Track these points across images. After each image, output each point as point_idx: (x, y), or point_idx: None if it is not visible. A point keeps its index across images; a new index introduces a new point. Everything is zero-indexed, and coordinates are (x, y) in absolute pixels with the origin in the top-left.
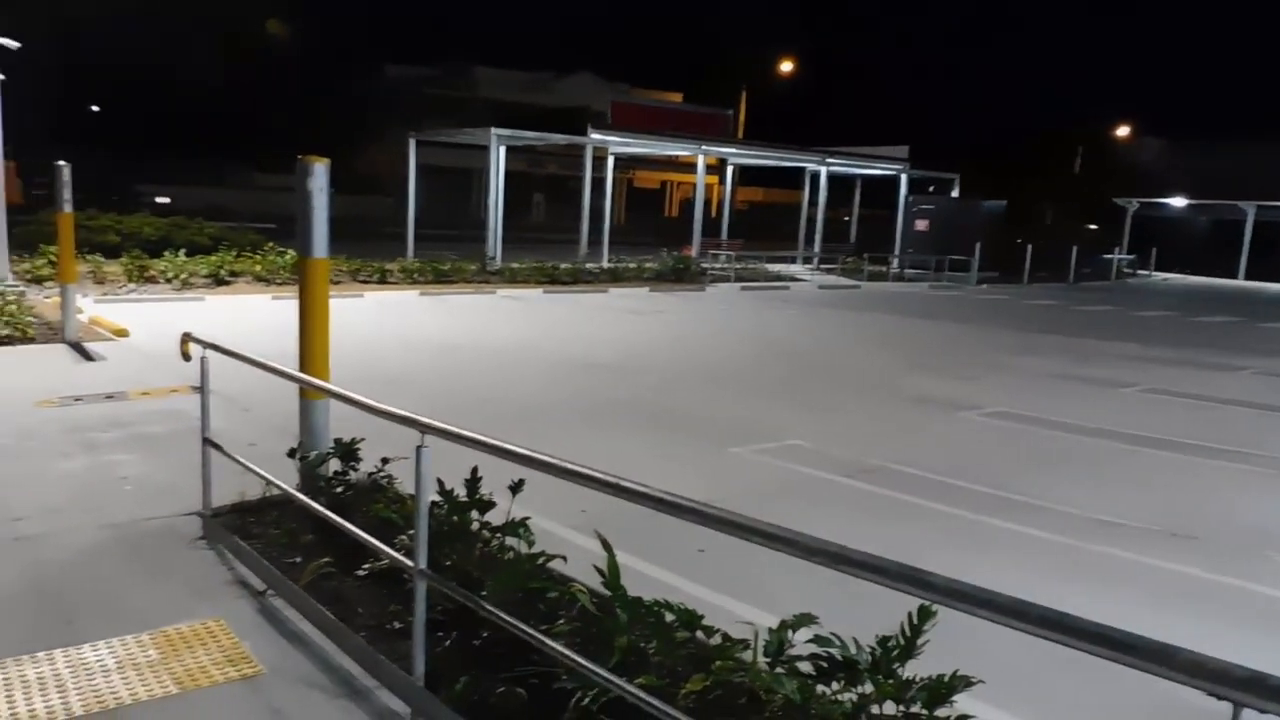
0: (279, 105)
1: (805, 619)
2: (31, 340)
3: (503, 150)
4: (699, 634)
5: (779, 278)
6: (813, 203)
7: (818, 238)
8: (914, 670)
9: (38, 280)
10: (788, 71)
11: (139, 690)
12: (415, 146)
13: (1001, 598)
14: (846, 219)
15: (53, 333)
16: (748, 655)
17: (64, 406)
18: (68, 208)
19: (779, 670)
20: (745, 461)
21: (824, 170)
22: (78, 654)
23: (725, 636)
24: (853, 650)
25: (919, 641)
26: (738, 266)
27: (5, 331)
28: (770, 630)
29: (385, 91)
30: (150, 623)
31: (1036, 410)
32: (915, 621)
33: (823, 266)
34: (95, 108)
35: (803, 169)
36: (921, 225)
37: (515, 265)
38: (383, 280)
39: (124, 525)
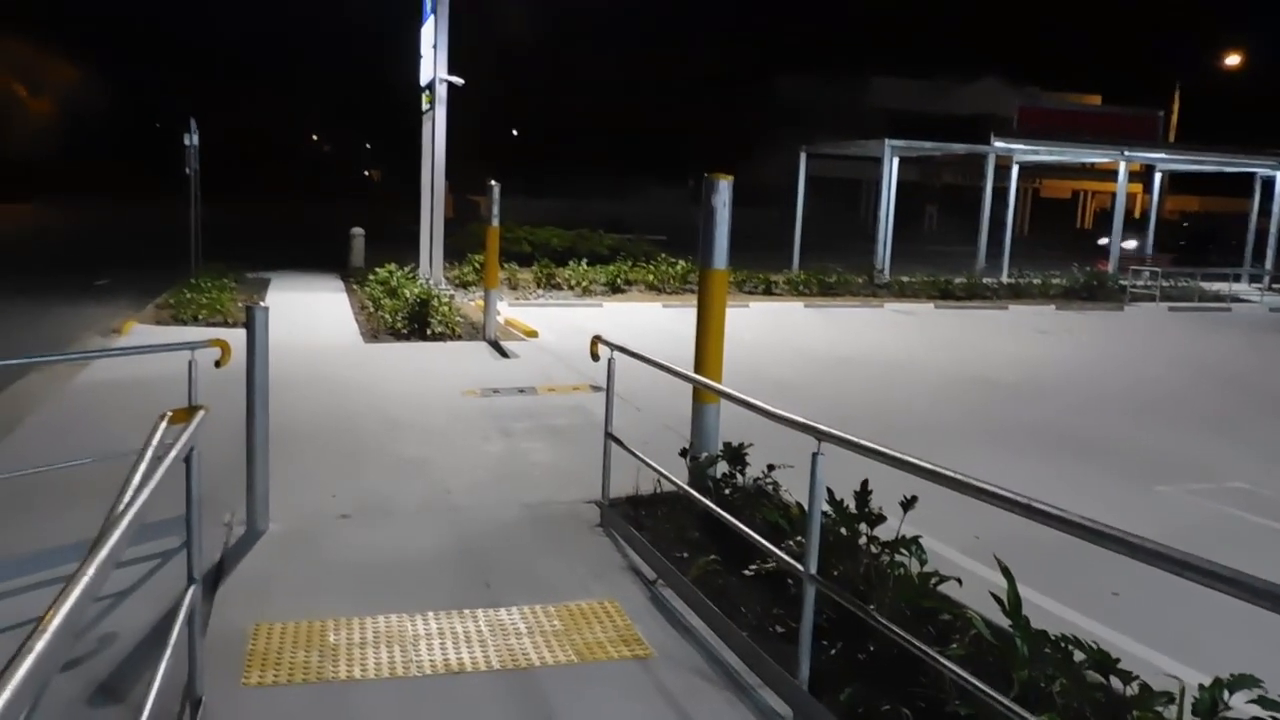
0: (675, 122)
1: (1247, 680)
2: (459, 338)
3: (896, 161)
4: (1113, 680)
5: (1218, 297)
6: (1264, 212)
7: (1270, 253)
8: None
9: (463, 285)
10: (1233, 65)
11: (545, 655)
12: (806, 159)
13: None
14: None
15: (475, 331)
16: (1171, 711)
17: (485, 397)
18: (495, 222)
19: None
20: (1174, 502)
21: (1279, 175)
22: (495, 615)
23: (1145, 687)
24: None
25: None
26: (1165, 284)
27: (440, 329)
28: (1201, 687)
29: (779, 104)
30: (555, 596)
31: None
32: None
33: (1275, 286)
34: (514, 131)
35: (1252, 174)
36: None
37: (905, 279)
38: (768, 291)
39: (535, 505)
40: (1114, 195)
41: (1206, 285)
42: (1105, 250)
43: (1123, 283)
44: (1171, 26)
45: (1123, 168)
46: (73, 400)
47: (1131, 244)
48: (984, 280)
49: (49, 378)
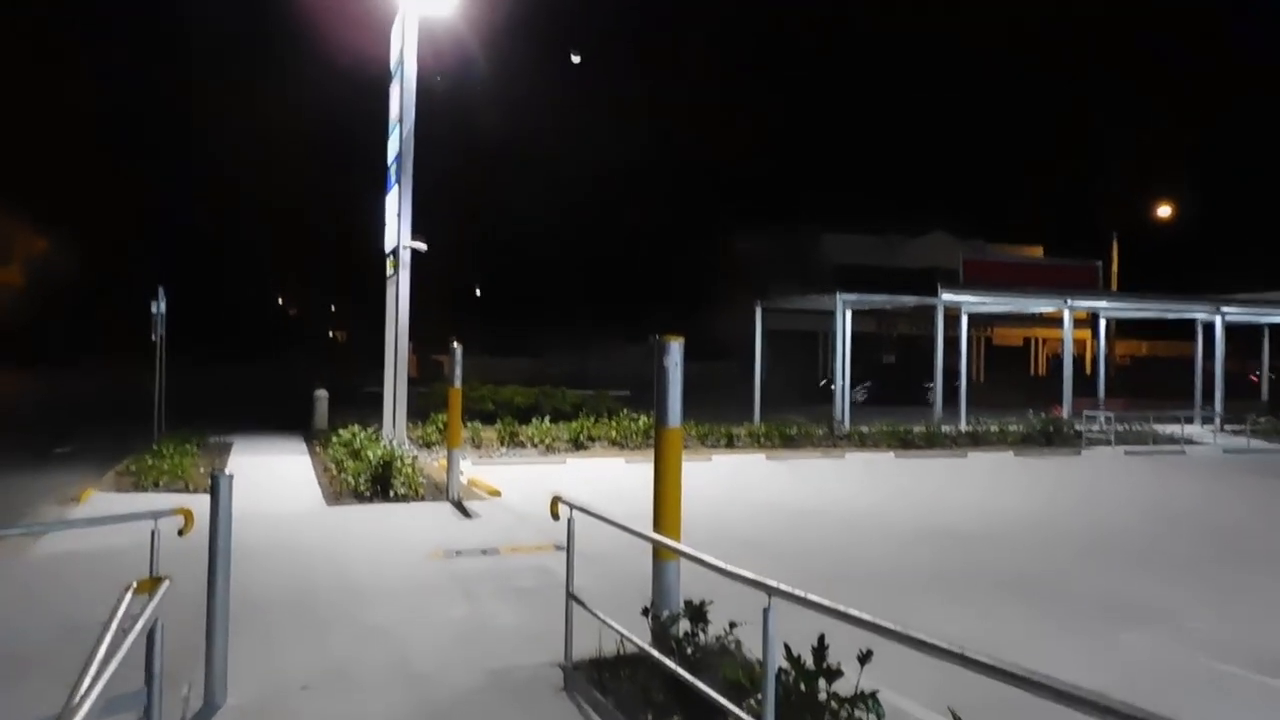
0: (636, 279)
1: None
2: (422, 498)
3: (849, 313)
4: None
5: (1172, 440)
6: (1208, 355)
7: (1217, 395)
8: None
9: (427, 444)
10: (1167, 216)
11: None
12: (761, 313)
13: None
14: (1256, 375)
15: (439, 491)
16: None
17: (448, 559)
18: (457, 382)
19: None
20: (1138, 648)
21: (1218, 320)
22: None
23: None
24: None
25: None
26: (1119, 428)
27: (403, 490)
28: None
29: (737, 261)
30: None
31: None
32: None
33: (1226, 428)
34: (477, 291)
35: (1192, 320)
36: None
37: (865, 428)
38: (730, 444)
39: (499, 671)
40: (1062, 342)
41: (1160, 428)
42: (1059, 396)
43: (1078, 428)
44: (1107, 180)
45: (1067, 315)
46: (28, 573)
47: (861, 394)
48: (943, 428)
49: (3, 550)
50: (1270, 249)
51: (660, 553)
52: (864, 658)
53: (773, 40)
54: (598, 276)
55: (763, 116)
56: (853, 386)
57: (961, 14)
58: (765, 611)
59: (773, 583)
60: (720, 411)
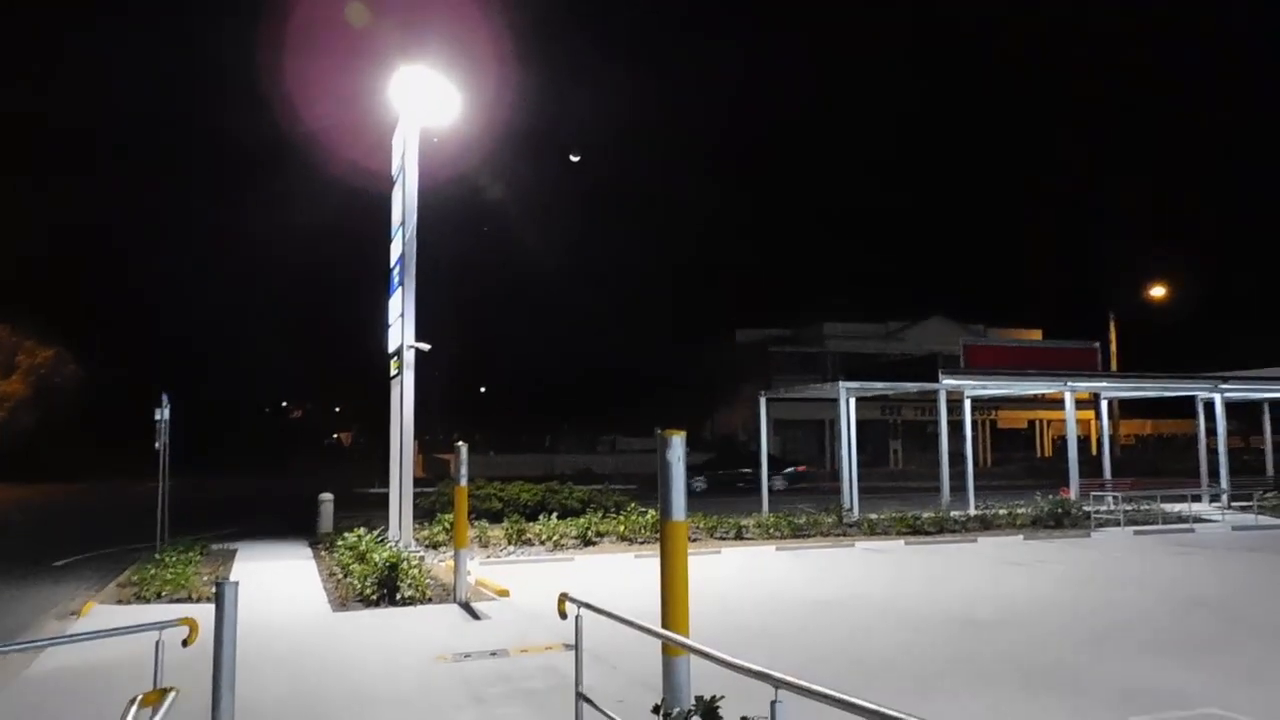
0: (641, 374)
1: None
2: (429, 600)
3: (853, 401)
4: None
5: (1180, 519)
6: (1210, 432)
7: (1223, 472)
8: None
9: (434, 545)
10: (1162, 296)
11: None
12: (766, 404)
13: None
14: (1260, 449)
15: (446, 593)
16: None
17: (456, 662)
18: (463, 481)
19: None
20: None
21: (1218, 397)
22: None
23: None
24: None
25: None
26: (1127, 508)
27: (410, 593)
28: None
29: (742, 354)
30: None
31: None
32: None
33: (1234, 504)
34: (483, 389)
35: (1193, 398)
36: None
37: (874, 516)
38: (739, 536)
39: None
40: (1065, 424)
41: (1168, 506)
42: (1065, 477)
43: (1086, 509)
44: (1105, 264)
45: (1068, 397)
46: (29, 690)
47: (785, 477)
48: (952, 514)
49: (1, 667)
50: (1268, 326)
51: (669, 649)
52: None
53: (775, 132)
54: (605, 374)
55: (767, 211)
56: (771, 475)
57: (962, 100)
58: (773, 705)
59: (779, 674)
60: (731, 503)
